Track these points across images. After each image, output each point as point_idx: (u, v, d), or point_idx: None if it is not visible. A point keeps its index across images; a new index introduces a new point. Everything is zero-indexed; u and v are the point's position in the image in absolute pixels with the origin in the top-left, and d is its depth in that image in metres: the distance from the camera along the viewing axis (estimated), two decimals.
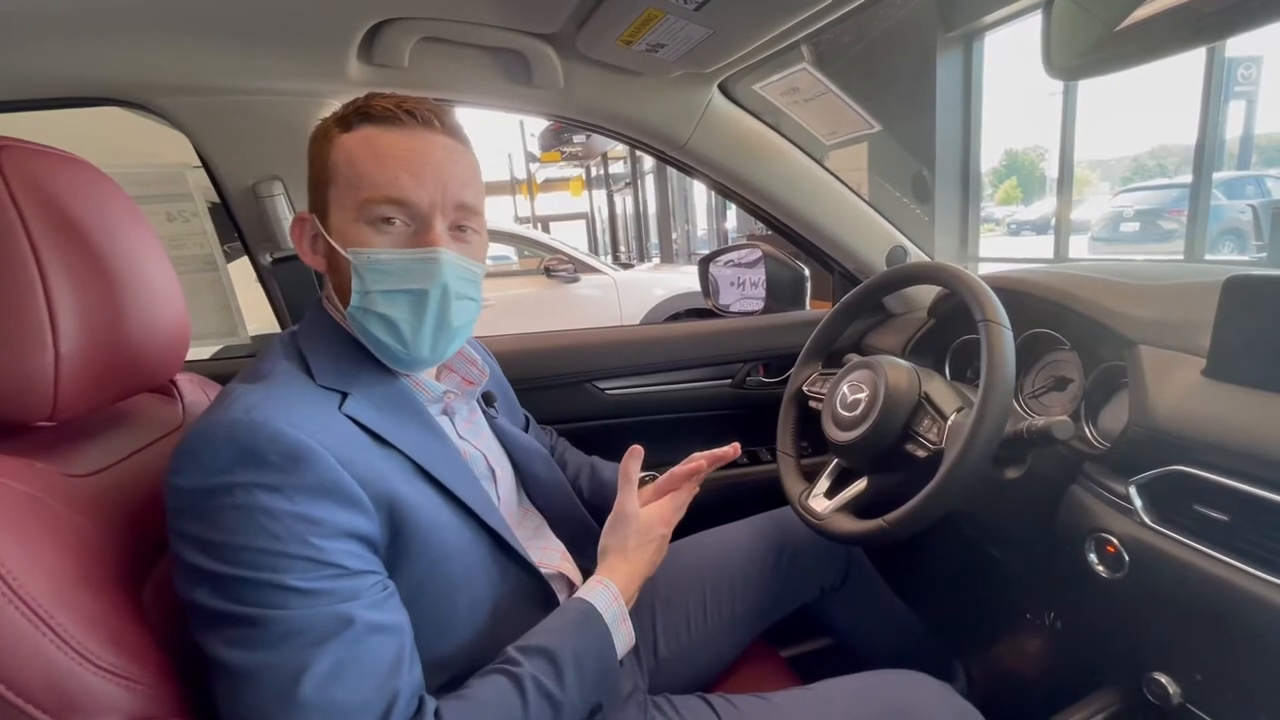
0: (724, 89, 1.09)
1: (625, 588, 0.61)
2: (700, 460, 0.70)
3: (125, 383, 0.55)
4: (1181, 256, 4.32)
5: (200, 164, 0.94)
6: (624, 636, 0.59)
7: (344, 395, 0.54)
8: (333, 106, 0.91)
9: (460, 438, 0.66)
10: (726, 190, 1.19)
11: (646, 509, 0.67)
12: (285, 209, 0.94)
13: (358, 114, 0.56)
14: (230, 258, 1.09)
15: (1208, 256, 4.30)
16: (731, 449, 0.71)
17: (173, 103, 0.88)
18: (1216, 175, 4.13)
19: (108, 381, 0.52)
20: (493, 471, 0.67)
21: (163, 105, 0.88)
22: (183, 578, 0.45)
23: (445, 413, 0.66)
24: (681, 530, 0.82)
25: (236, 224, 0.96)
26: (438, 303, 0.57)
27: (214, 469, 0.44)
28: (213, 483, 0.44)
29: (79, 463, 0.51)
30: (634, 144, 1.14)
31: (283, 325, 1.02)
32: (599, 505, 0.77)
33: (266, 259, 0.97)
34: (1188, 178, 4.09)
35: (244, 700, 0.43)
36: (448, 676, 0.54)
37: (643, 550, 0.65)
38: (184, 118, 0.89)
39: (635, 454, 0.66)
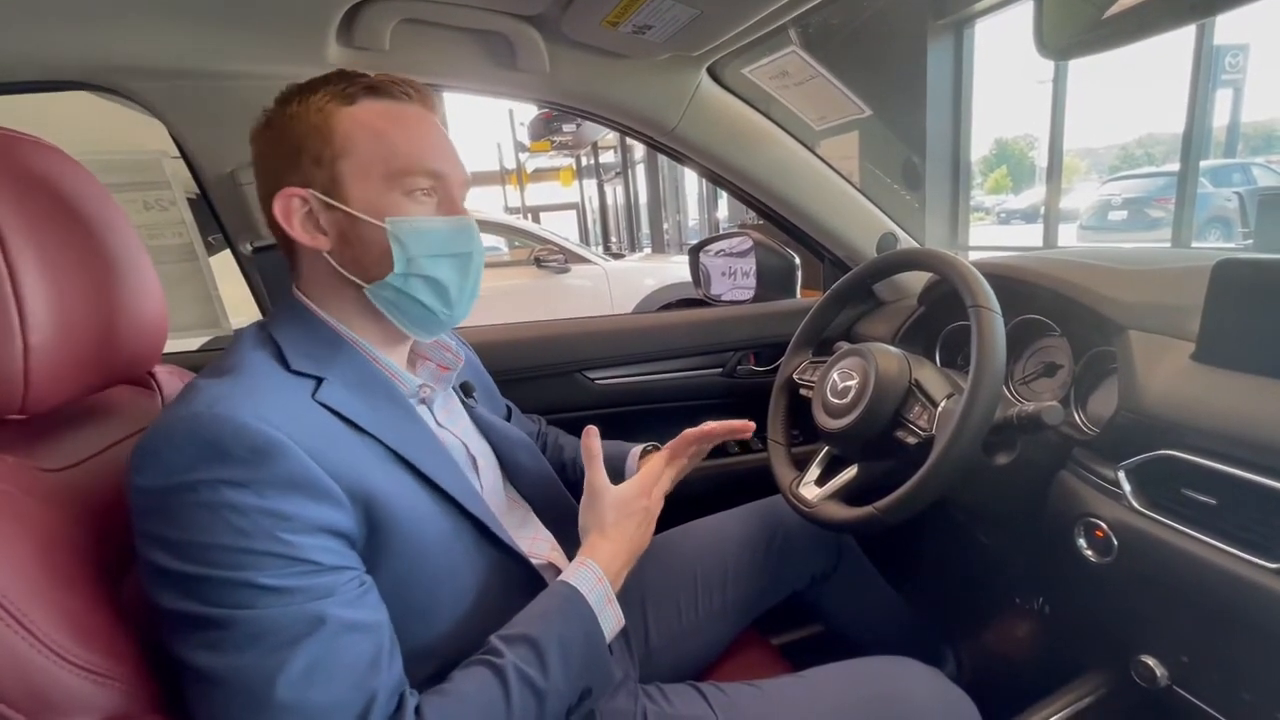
0: (713, 73, 1.08)
1: (608, 566, 0.60)
2: (715, 427, 0.72)
3: (100, 375, 0.53)
4: (1169, 244, 4.35)
5: (177, 152, 0.92)
6: (611, 618, 0.58)
7: (318, 382, 0.52)
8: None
9: (439, 426, 0.65)
10: (716, 177, 1.18)
11: (623, 484, 0.66)
12: None
13: (359, 88, 0.56)
14: (215, 250, 1.07)
15: (1194, 244, 4.34)
16: (743, 424, 0.74)
17: (146, 87, 0.85)
18: (1203, 163, 4.15)
19: (81, 373, 0.51)
20: (474, 460, 0.66)
21: (136, 90, 0.85)
22: (150, 580, 0.43)
23: (423, 402, 0.65)
24: (672, 519, 0.82)
25: (215, 213, 0.94)
26: (476, 265, 0.61)
27: (176, 467, 0.42)
28: (176, 481, 0.42)
29: (52, 457, 0.50)
30: (622, 129, 1.13)
31: (265, 315, 1.00)
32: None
33: (247, 248, 0.95)
34: (1175, 166, 4.11)
35: (217, 704, 0.42)
36: (434, 667, 0.53)
37: (622, 526, 0.64)
38: (159, 103, 0.87)
39: (591, 432, 0.67)
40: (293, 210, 0.56)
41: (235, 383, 0.48)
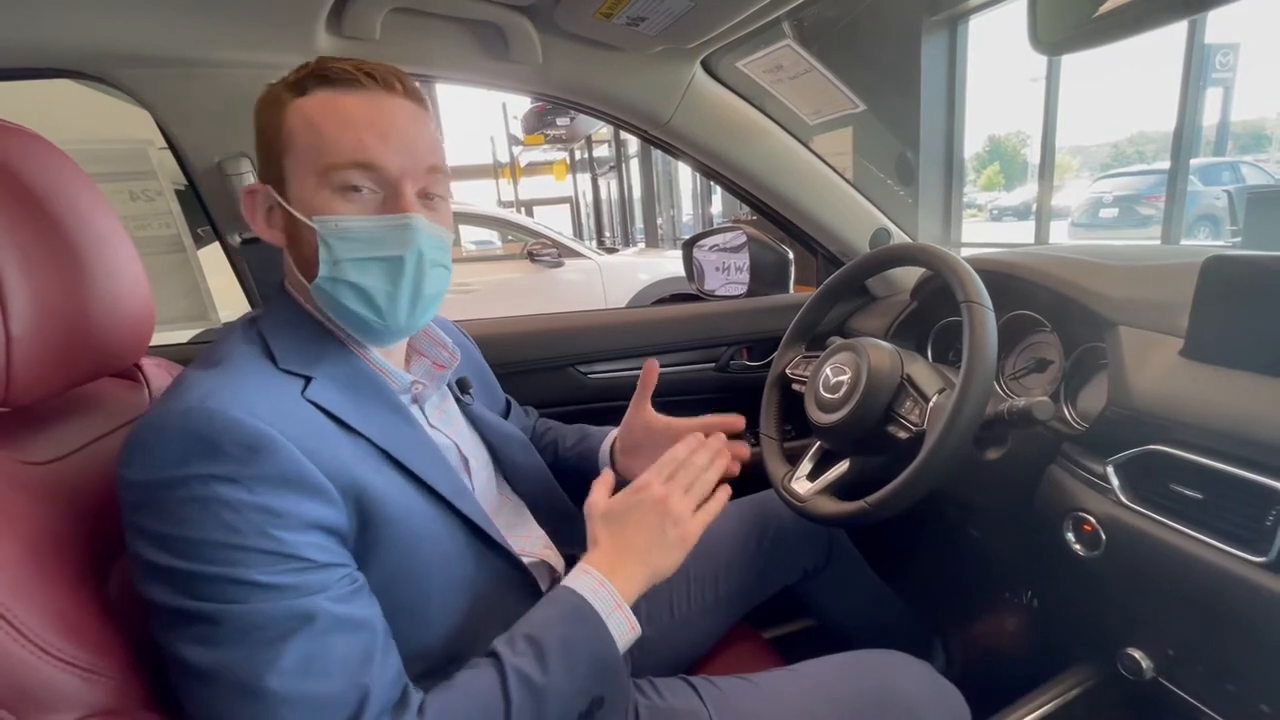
0: (707, 66, 1.07)
1: (610, 571, 0.56)
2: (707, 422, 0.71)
3: (85, 366, 0.53)
4: (1159, 241, 4.39)
5: (165, 143, 0.90)
6: (623, 623, 0.55)
7: (307, 380, 0.52)
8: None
9: (431, 426, 0.64)
10: (710, 171, 1.18)
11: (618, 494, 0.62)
12: None
13: (313, 77, 0.53)
14: (205, 242, 1.06)
15: (1184, 241, 4.37)
16: (733, 418, 0.71)
17: (132, 75, 0.84)
18: (1193, 161, 4.18)
19: (65, 365, 0.50)
20: (466, 461, 0.65)
21: (121, 78, 0.83)
22: (140, 574, 0.43)
23: (415, 401, 0.64)
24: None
25: (203, 204, 0.93)
26: (414, 269, 0.54)
27: (167, 461, 0.42)
28: (167, 475, 0.42)
29: (37, 450, 0.49)
30: (615, 122, 1.12)
31: (254, 308, 0.99)
32: (590, 470, 0.76)
33: (235, 239, 0.94)
34: (1165, 164, 4.14)
35: (208, 700, 0.41)
36: (424, 666, 0.53)
37: (616, 527, 0.58)
38: (144, 92, 0.85)
39: (601, 483, 0.63)
40: (255, 205, 0.56)
41: (226, 376, 0.48)
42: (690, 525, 0.59)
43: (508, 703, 0.47)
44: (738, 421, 0.71)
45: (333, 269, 0.53)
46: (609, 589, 0.55)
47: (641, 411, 0.74)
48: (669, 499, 0.59)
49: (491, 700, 0.47)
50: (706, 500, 0.62)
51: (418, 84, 0.57)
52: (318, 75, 0.53)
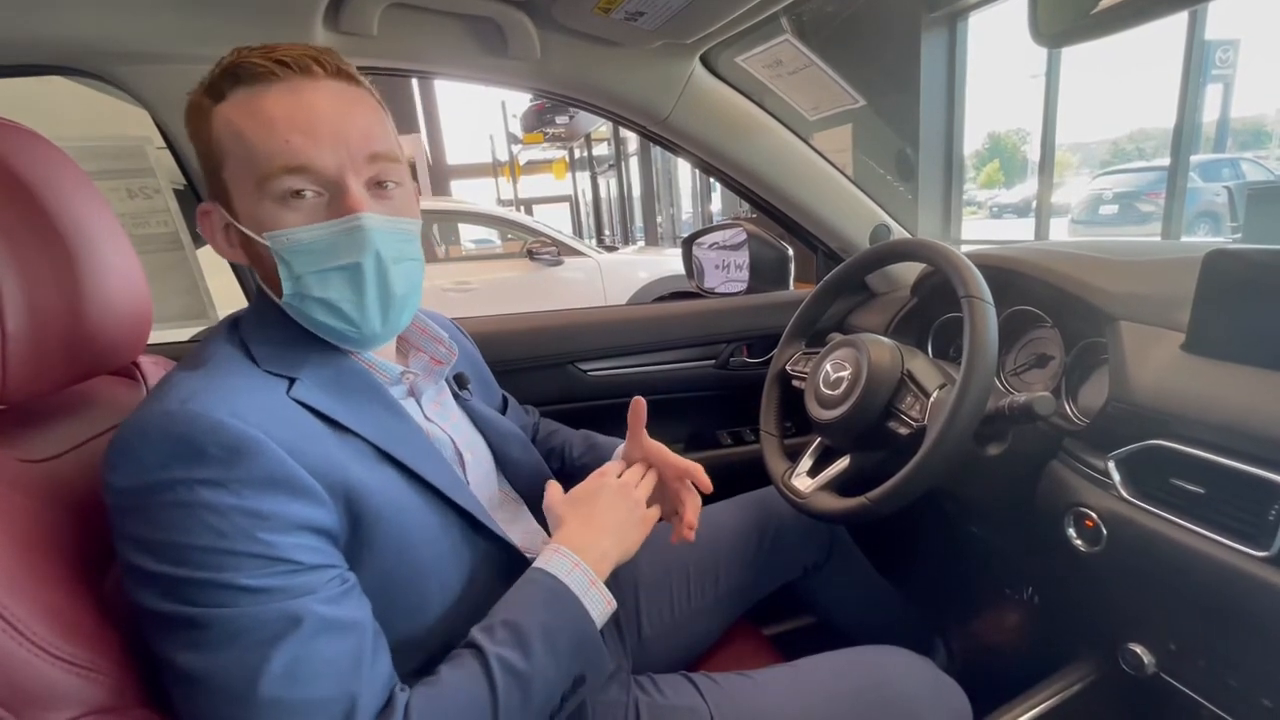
0: (706, 61, 1.07)
1: (582, 551, 0.56)
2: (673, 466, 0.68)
3: (81, 364, 0.52)
4: (1159, 239, 4.38)
5: (163, 142, 0.90)
6: (599, 601, 0.54)
7: (291, 380, 0.50)
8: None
9: (427, 419, 0.64)
10: (709, 167, 1.17)
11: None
12: None
13: (226, 77, 0.48)
14: (204, 241, 1.05)
15: (1184, 238, 4.37)
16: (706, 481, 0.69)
17: (129, 71, 0.83)
18: (1193, 158, 4.17)
19: (61, 363, 0.50)
20: (460, 456, 0.65)
21: (118, 74, 0.83)
22: (129, 578, 0.42)
23: (411, 394, 0.63)
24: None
25: (200, 201, 0.92)
26: (375, 273, 0.51)
27: (151, 465, 0.41)
28: (150, 480, 0.41)
29: (34, 447, 0.49)
30: (614, 119, 1.12)
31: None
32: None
33: None
34: (1165, 161, 4.13)
35: (199, 703, 0.41)
36: (425, 657, 0.52)
37: (590, 505, 0.61)
38: (142, 88, 0.85)
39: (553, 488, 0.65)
40: (213, 226, 0.54)
41: (209, 378, 0.47)
42: (649, 511, 0.64)
43: (494, 693, 0.46)
44: (707, 485, 0.68)
45: (296, 285, 0.50)
46: (583, 568, 0.55)
47: (639, 446, 0.69)
48: (628, 484, 0.64)
49: (478, 692, 0.47)
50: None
51: (350, 63, 0.52)
52: (231, 74, 0.48)
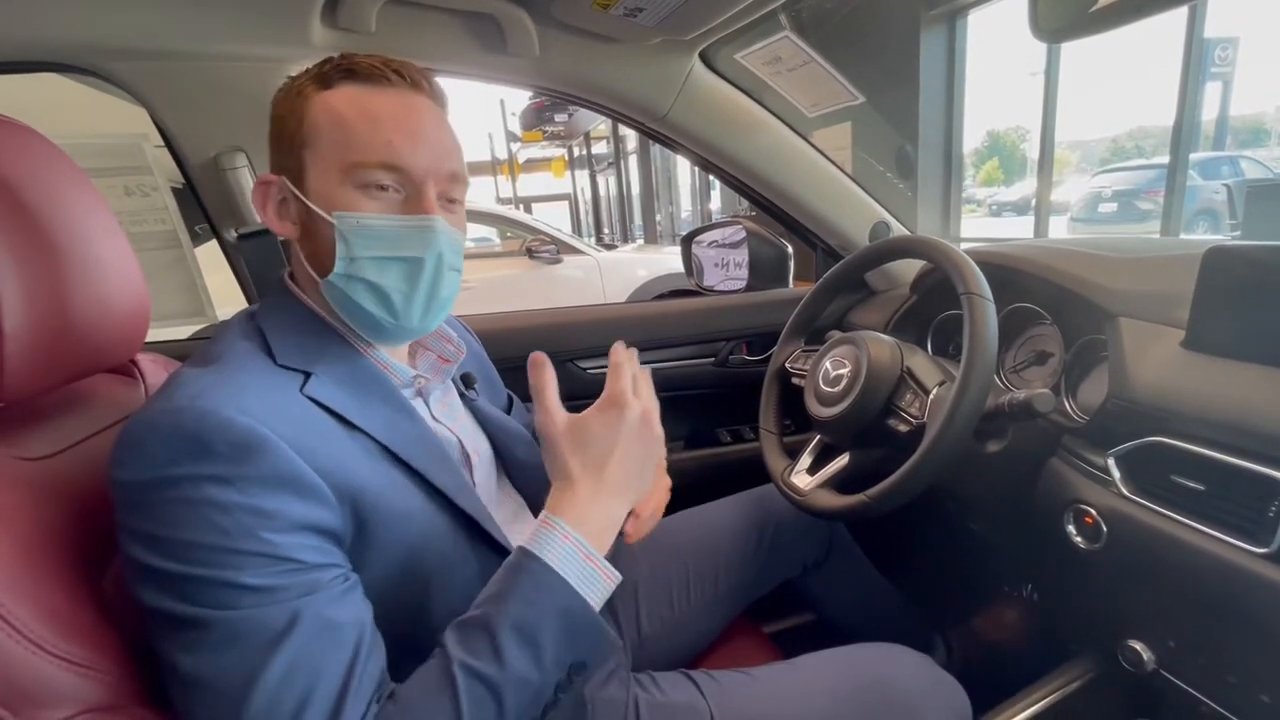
0: (705, 58, 1.07)
1: (581, 516, 0.50)
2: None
3: (79, 362, 0.52)
4: (1158, 236, 4.38)
5: (160, 139, 0.90)
6: (594, 579, 0.49)
7: (306, 376, 0.51)
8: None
9: (435, 420, 0.64)
10: (708, 164, 1.17)
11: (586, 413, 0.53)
12: (249, 181, 0.90)
13: (339, 71, 0.53)
14: (203, 239, 1.05)
15: (1183, 236, 4.37)
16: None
17: (126, 68, 0.83)
18: (1192, 156, 4.17)
19: (60, 360, 0.49)
20: (467, 457, 0.65)
21: (115, 71, 0.83)
22: (131, 574, 0.42)
23: (420, 394, 0.63)
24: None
25: (199, 199, 0.92)
26: (432, 271, 0.55)
27: (158, 461, 0.41)
28: (157, 475, 0.41)
29: (32, 446, 0.49)
30: (613, 116, 1.12)
31: (250, 304, 0.98)
32: None
33: (232, 234, 0.93)
34: (1165, 159, 4.13)
35: (196, 703, 0.41)
36: (423, 659, 0.52)
37: (605, 451, 0.52)
38: (139, 85, 0.84)
39: (538, 363, 0.54)
40: (268, 196, 0.56)
41: (220, 374, 0.47)
42: (661, 446, 0.55)
43: (458, 708, 0.43)
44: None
45: (349, 265, 0.53)
46: (575, 540, 0.49)
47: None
48: (651, 419, 0.53)
49: (441, 708, 0.43)
50: None
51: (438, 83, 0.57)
52: (344, 69, 0.53)
